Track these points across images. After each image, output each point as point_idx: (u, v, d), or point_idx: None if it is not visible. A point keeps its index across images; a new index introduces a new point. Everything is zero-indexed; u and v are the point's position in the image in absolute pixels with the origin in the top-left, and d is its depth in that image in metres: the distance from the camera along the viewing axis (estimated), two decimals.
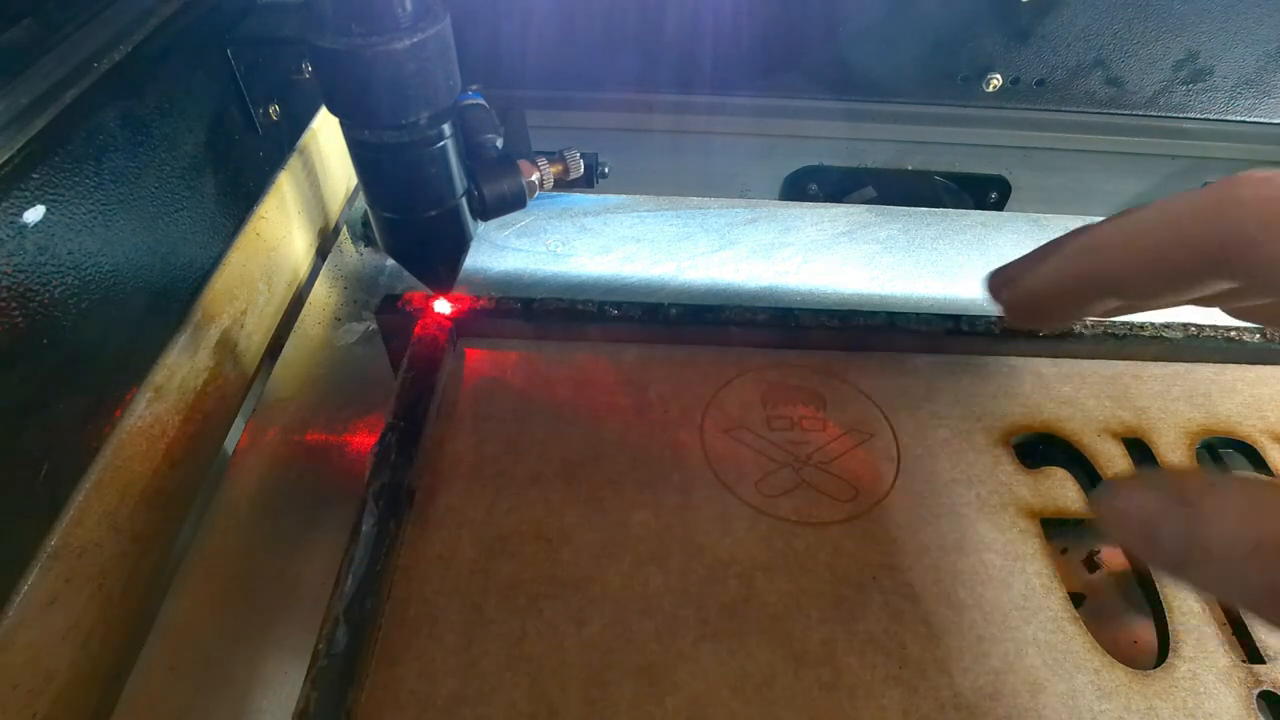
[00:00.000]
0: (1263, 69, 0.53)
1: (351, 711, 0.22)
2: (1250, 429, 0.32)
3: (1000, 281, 0.25)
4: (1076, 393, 0.33)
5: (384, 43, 0.26)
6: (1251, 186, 0.17)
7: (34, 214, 0.24)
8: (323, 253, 0.47)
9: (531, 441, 0.30)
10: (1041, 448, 0.32)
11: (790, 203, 0.51)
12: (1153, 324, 0.34)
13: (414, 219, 0.32)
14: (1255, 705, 0.24)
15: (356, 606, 0.23)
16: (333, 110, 0.29)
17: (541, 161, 0.38)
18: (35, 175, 0.25)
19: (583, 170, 0.40)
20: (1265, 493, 0.15)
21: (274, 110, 0.39)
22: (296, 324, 0.42)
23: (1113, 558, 0.34)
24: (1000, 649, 0.25)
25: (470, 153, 0.35)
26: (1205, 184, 0.62)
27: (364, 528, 0.25)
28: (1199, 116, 0.56)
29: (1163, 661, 0.25)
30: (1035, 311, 0.23)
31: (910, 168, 0.62)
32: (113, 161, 0.28)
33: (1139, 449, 0.31)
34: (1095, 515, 0.19)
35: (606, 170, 0.60)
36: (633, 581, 0.26)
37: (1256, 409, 0.33)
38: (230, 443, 0.37)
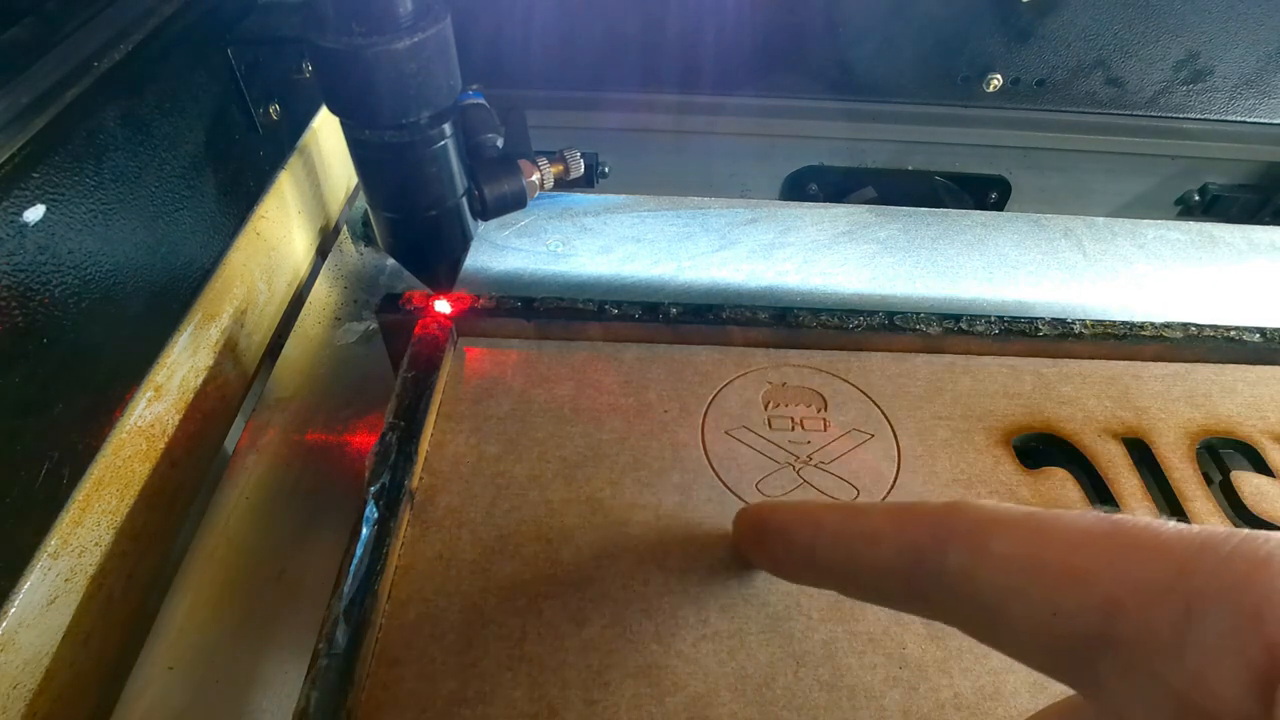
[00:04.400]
0: (1263, 69, 0.53)
1: (351, 711, 0.22)
2: (1251, 429, 0.32)
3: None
4: (1077, 393, 0.33)
5: (385, 42, 0.26)
6: (972, 502, 0.17)
7: (34, 213, 0.24)
8: (323, 252, 0.47)
9: (531, 441, 0.30)
10: (1042, 448, 0.32)
11: (790, 203, 0.51)
12: (1152, 324, 0.34)
13: (414, 218, 0.32)
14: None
15: (356, 606, 0.23)
16: (333, 110, 0.29)
17: (542, 161, 0.38)
18: (35, 174, 0.25)
19: (583, 170, 0.40)
20: None
21: (274, 110, 0.39)
22: (296, 323, 0.42)
23: None
24: None
25: (470, 152, 0.35)
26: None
27: (364, 528, 0.25)
28: (1199, 117, 0.56)
29: None
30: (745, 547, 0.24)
31: (910, 168, 0.62)
32: (113, 161, 0.28)
33: (1139, 449, 0.31)
34: None
35: (607, 170, 0.60)
36: (633, 581, 0.26)
37: (1257, 409, 0.33)
38: (230, 442, 0.37)
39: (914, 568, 0.17)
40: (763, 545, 0.24)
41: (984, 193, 0.63)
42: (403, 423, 0.29)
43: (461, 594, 0.25)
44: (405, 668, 0.24)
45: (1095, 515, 0.15)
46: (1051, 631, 0.15)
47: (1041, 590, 0.14)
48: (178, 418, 0.33)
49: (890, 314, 0.34)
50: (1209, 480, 0.31)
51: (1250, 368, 0.35)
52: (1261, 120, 0.56)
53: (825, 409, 0.32)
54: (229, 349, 0.37)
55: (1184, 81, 0.54)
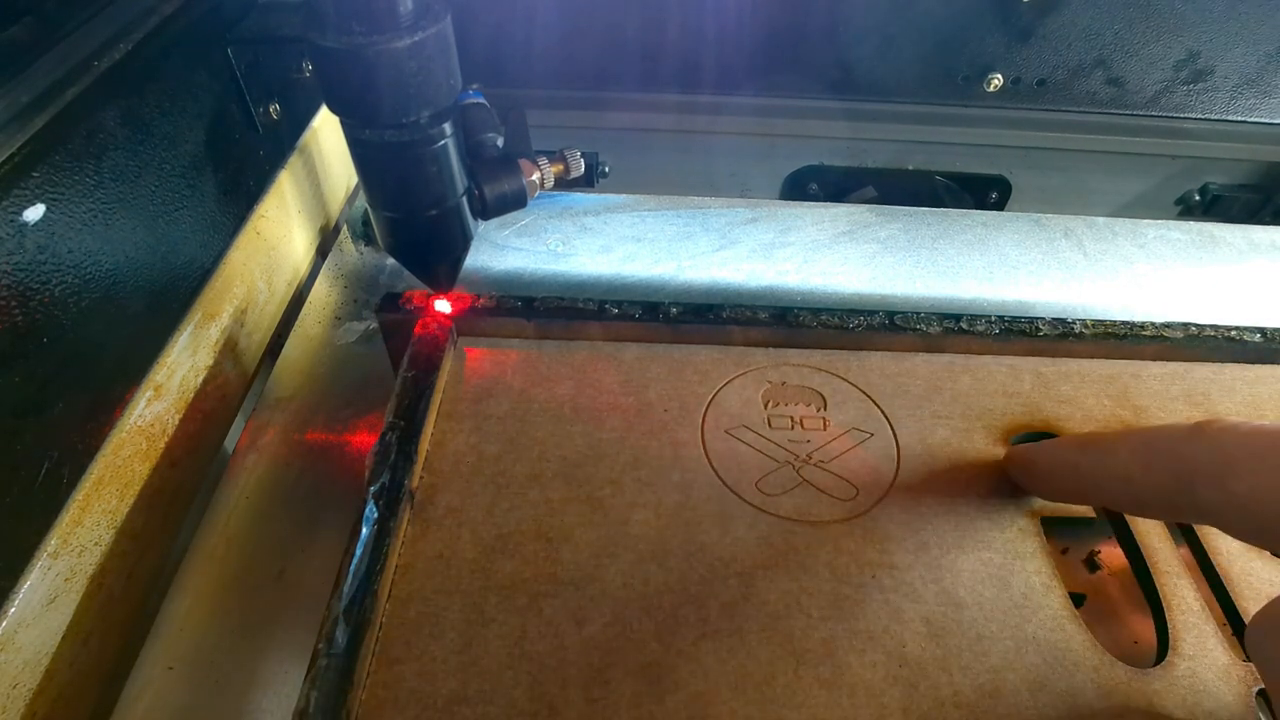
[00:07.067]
0: (1263, 69, 0.53)
1: (351, 711, 0.22)
2: None
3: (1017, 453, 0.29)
4: (1076, 392, 0.33)
5: (385, 41, 0.26)
6: (1224, 424, 0.18)
7: (34, 213, 0.24)
8: (323, 251, 0.47)
9: (531, 441, 0.30)
10: None
11: (791, 202, 0.51)
12: (1153, 323, 0.34)
13: (414, 218, 0.32)
14: (1255, 703, 0.24)
15: (356, 606, 0.23)
16: (333, 109, 0.29)
17: (542, 160, 0.38)
18: (35, 174, 0.25)
19: (583, 169, 0.40)
20: None
21: (274, 109, 0.39)
22: (297, 323, 0.42)
23: (1112, 558, 0.34)
24: (1000, 647, 0.25)
25: (471, 152, 0.35)
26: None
27: (364, 528, 0.25)
28: (1200, 116, 0.56)
29: (1162, 660, 0.25)
30: (1027, 482, 0.28)
31: (911, 168, 0.62)
32: (113, 160, 0.28)
33: None
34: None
35: (607, 169, 0.60)
36: (633, 580, 0.26)
37: (1255, 408, 0.33)
38: (230, 442, 0.37)
39: (1166, 505, 0.20)
40: (1033, 484, 0.28)
41: (984, 192, 0.63)
42: (403, 422, 0.29)
43: (462, 593, 0.25)
44: (405, 666, 0.24)
45: None
46: None
47: None
48: (178, 417, 0.33)
49: (890, 314, 0.34)
50: None
51: (1249, 367, 0.35)
52: (1262, 120, 0.56)
53: (825, 408, 0.32)
54: (229, 349, 0.37)
55: (1184, 81, 0.54)
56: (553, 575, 0.26)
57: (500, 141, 0.37)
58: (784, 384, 0.33)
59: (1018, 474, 0.28)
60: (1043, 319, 0.34)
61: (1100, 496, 0.24)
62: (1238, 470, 0.17)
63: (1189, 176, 0.61)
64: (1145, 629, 0.28)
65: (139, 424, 0.30)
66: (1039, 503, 0.29)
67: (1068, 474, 0.25)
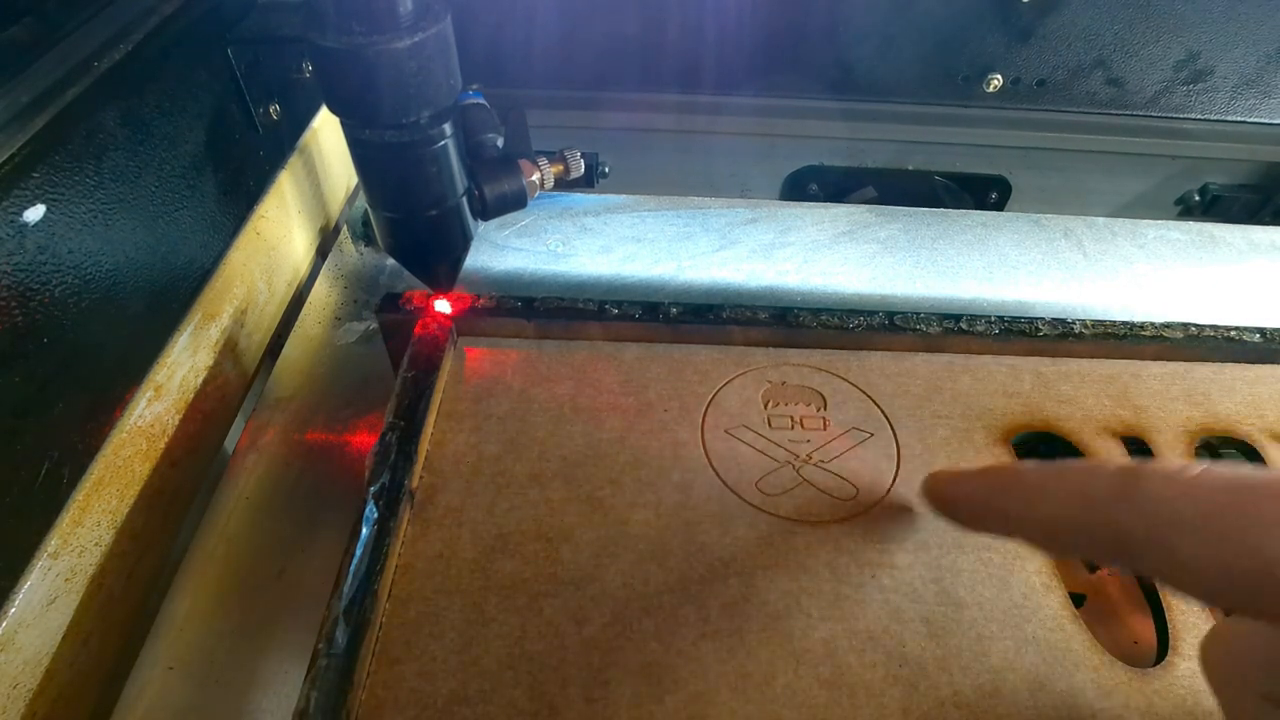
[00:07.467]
0: (1263, 69, 0.53)
1: (351, 711, 0.22)
2: (1249, 428, 0.32)
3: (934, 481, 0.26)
4: (1076, 391, 0.33)
5: (385, 42, 0.26)
6: (1157, 482, 0.17)
7: (34, 213, 0.24)
8: (323, 252, 0.47)
9: (531, 441, 0.30)
10: (1041, 447, 0.32)
11: (790, 203, 0.51)
12: (1152, 324, 0.34)
13: (414, 218, 0.32)
14: None
15: (356, 606, 0.23)
16: (333, 109, 0.29)
17: (542, 161, 0.38)
18: (35, 174, 0.25)
19: (583, 170, 0.40)
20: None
21: (274, 109, 0.39)
22: (297, 323, 0.42)
23: None
24: (1000, 647, 0.25)
25: (471, 152, 0.35)
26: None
27: (364, 528, 0.25)
28: (1199, 117, 0.56)
29: (1162, 660, 0.25)
30: (947, 513, 0.25)
31: (910, 168, 0.62)
32: (113, 160, 0.28)
33: (1138, 447, 0.31)
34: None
35: (607, 170, 0.60)
36: (633, 580, 0.26)
37: (1255, 407, 0.33)
38: (230, 442, 0.37)
39: (1105, 557, 0.19)
40: (954, 520, 0.25)
41: (984, 193, 0.63)
42: (403, 422, 0.29)
43: (462, 593, 0.25)
44: (405, 666, 0.24)
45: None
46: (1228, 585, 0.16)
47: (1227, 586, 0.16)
48: (178, 418, 0.33)
49: (890, 314, 0.34)
50: None
51: (1249, 366, 0.35)
52: (1262, 120, 0.55)
53: (825, 408, 0.32)
54: (229, 349, 0.37)
55: (1184, 81, 0.54)
56: (553, 575, 0.26)
57: (500, 142, 0.37)
58: (784, 384, 0.33)
59: (937, 508, 0.25)
60: (1042, 319, 0.34)
61: (1033, 543, 0.22)
62: (1172, 543, 0.16)
63: (1189, 176, 0.61)
64: (1145, 629, 0.28)
65: (139, 424, 0.30)
66: None
67: (993, 518, 0.23)
